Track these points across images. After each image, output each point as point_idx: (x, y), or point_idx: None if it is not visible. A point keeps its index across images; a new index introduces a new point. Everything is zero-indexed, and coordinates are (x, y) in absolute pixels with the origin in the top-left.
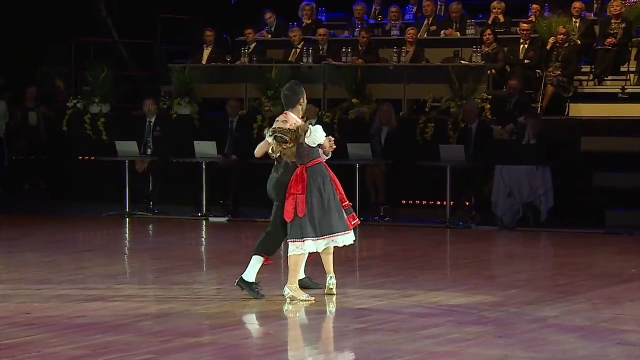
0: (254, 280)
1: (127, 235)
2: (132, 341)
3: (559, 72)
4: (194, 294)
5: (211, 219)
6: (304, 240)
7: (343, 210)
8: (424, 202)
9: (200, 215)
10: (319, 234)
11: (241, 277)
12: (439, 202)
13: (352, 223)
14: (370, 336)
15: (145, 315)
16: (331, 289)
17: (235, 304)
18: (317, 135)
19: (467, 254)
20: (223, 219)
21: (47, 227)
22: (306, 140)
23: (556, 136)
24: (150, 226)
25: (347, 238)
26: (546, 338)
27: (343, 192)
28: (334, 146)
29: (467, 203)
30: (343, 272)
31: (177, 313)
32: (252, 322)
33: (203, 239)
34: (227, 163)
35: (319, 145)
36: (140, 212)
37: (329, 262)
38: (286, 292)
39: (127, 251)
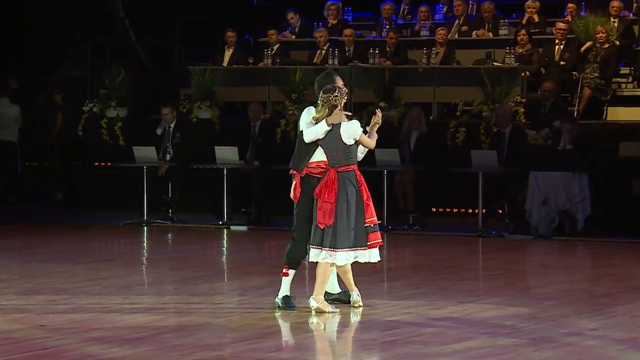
0: (287, 294)
1: (145, 244)
2: (150, 355)
3: (596, 74)
4: (215, 306)
5: (232, 228)
6: (335, 251)
7: (369, 226)
8: (454, 210)
9: (221, 224)
10: (349, 245)
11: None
12: (470, 210)
13: (375, 242)
14: (399, 349)
15: (165, 328)
16: (357, 302)
17: (258, 316)
18: (352, 128)
19: (500, 264)
20: (245, 228)
21: (61, 236)
22: (342, 135)
23: (593, 141)
24: (169, 235)
25: (372, 255)
26: (583, 352)
27: (372, 208)
28: (379, 122)
29: (500, 211)
30: (370, 283)
31: (198, 326)
32: (276, 335)
33: (224, 249)
34: (249, 169)
35: (356, 143)
36: (159, 221)
37: (349, 279)
38: (312, 304)
39: (145, 261)
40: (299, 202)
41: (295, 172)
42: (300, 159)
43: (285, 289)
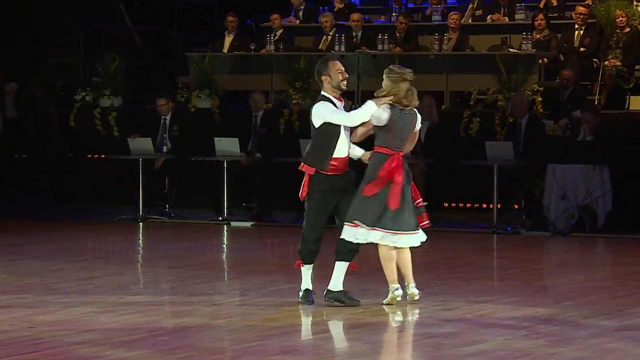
0: (342, 288)
1: (140, 241)
2: (145, 358)
3: (618, 61)
4: (214, 306)
5: (233, 224)
6: (400, 234)
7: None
8: (468, 205)
9: (221, 220)
10: (413, 228)
11: (327, 289)
12: (485, 205)
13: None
14: (409, 352)
15: (161, 330)
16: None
17: (260, 317)
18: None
19: (516, 262)
20: (246, 224)
21: (53, 233)
22: (417, 125)
23: (615, 132)
24: (167, 231)
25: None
26: (604, 355)
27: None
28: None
29: (516, 206)
30: (379, 282)
31: (196, 327)
32: (277, 337)
33: (224, 246)
34: (250, 162)
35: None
36: (156, 216)
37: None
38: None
39: (140, 259)
40: (310, 202)
41: (308, 169)
42: (322, 155)
43: (306, 281)
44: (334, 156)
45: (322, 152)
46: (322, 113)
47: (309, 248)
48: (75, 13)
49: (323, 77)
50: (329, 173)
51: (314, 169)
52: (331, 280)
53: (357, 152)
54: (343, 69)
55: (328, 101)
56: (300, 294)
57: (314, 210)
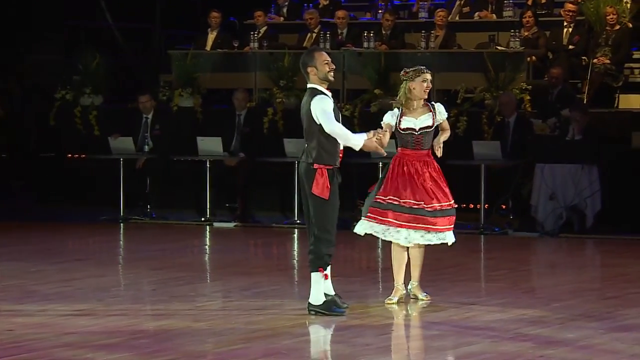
0: (325, 300)
1: (121, 242)
2: None
3: (607, 59)
4: (196, 309)
5: (216, 224)
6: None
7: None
8: (455, 206)
9: (203, 220)
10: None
11: (309, 302)
12: (472, 206)
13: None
14: (394, 355)
15: (142, 333)
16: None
17: (243, 319)
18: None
19: (504, 263)
20: (229, 224)
21: (32, 234)
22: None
23: (604, 131)
24: (148, 232)
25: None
26: (593, 359)
27: None
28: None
29: (504, 206)
30: (364, 284)
31: (178, 330)
32: (260, 340)
33: (207, 247)
34: (234, 162)
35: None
36: (137, 217)
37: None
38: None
39: (121, 261)
40: (331, 199)
41: (324, 167)
42: (333, 151)
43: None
44: (340, 148)
45: (331, 148)
46: (323, 108)
47: (333, 250)
48: (56, 10)
49: (309, 69)
50: (336, 167)
51: (330, 166)
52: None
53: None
54: (329, 59)
55: (323, 95)
56: (320, 303)
57: (335, 209)
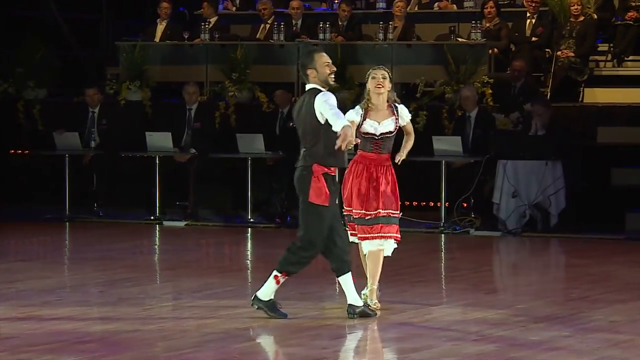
0: (271, 298)
1: (67, 242)
2: None
3: (572, 52)
4: (145, 312)
5: (166, 223)
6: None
7: None
8: (414, 204)
9: (153, 219)
10: None
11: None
12: (432, 204)
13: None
14: (352, 358)
15: (88, 336)
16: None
17: (194, 322)
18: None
19: (465, 263)
20: (180, 223)
21: None
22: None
23: (568, 126)
24: (95, 232)
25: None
26: None
27: None
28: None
29: (465, 204)
30: (321, 286)
31: (126, 333)
32: (212, 344)
33: (156, 247)
34: (184, 158)
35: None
36: (83, 216)
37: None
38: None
39: (67, 261)
40: (331, 205)
41: (321, 169)
42: (340, 151)
43: (352, 294)
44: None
45: (334, 149)
46: (325, 104)
47: (313, 256)
48: None
49: (309, 71)
50: (333, 174)
51: (333, 168)
52: (349, 294)
53: None
54: (330, 61)
55: (326, 91)
56: (360, 304)
57: (326, 220)
